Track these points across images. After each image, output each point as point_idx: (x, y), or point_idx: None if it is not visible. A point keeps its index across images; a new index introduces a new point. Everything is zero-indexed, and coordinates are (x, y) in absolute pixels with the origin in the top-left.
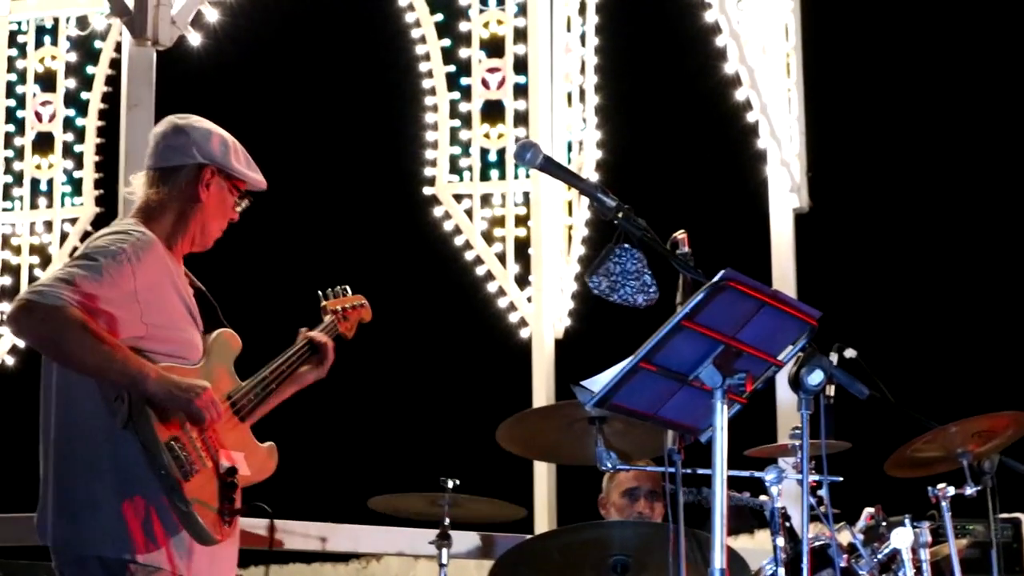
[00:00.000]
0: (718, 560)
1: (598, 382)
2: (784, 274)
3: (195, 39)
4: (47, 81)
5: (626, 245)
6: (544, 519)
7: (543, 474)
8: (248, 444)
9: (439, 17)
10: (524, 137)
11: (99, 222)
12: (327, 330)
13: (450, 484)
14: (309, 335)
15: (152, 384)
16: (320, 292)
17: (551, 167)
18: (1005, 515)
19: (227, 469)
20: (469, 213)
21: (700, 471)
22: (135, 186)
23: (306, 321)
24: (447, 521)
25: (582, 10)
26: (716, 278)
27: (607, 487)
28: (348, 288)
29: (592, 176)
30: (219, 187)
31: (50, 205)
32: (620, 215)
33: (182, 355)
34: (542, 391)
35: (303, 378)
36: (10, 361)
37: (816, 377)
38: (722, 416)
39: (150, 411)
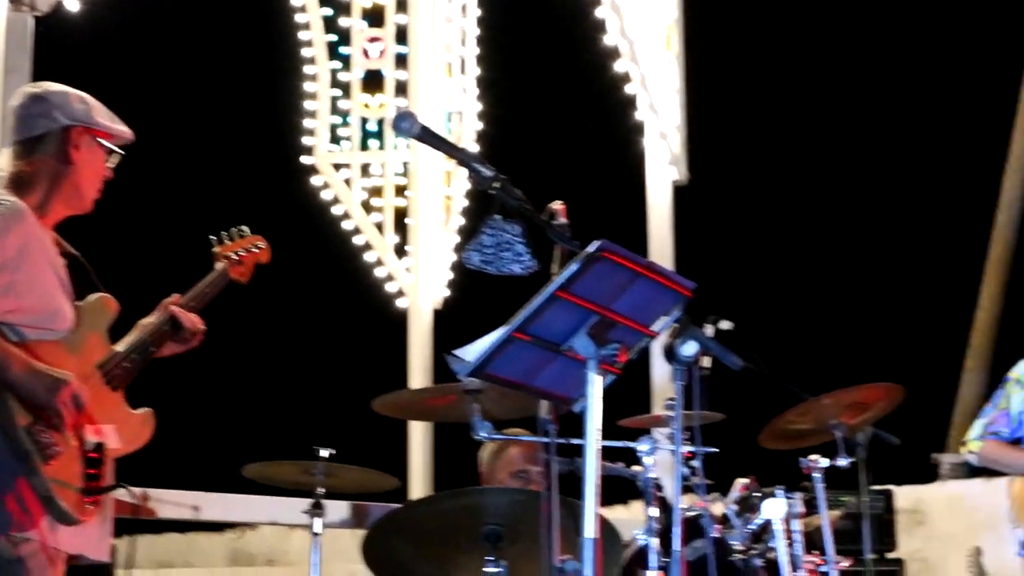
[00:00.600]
0: (590, 529)
1: (472, 351)
2: (662, 245)
3: (73, 5)
4: None
5: (499, 216)
6: (419, 488)
7: (418, 443)
8: (120, 414)
9: None
10: (404, 107)
11: None
12: (212, 285)
13: (324, 453)
14: (173, 311)
15: (13, 375)
16: (212, 236)
17: (428, 137)
18: (877, 487)
19: (93, 445)
20: (348, 183)
21: (574, 441)
22: (2, 163)
23: (195, 275)
24: (321, 490)
25: None
26: (591, 248)
27: (491, 462)
28: (246, 229)
29: (472, 147)
30: (88, 146)
31: None
32: (497, 185)
33: (50, 326)
34: (419, 361)
35: (161, 352)
36: None
37: (690, 348)
38: (595, 386)
39: (8, 394)
